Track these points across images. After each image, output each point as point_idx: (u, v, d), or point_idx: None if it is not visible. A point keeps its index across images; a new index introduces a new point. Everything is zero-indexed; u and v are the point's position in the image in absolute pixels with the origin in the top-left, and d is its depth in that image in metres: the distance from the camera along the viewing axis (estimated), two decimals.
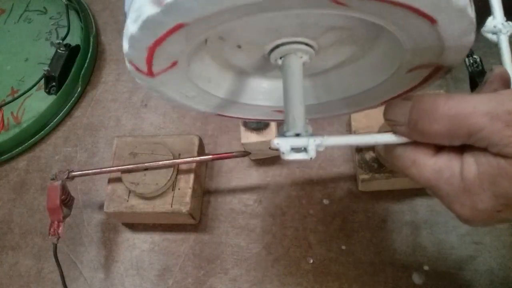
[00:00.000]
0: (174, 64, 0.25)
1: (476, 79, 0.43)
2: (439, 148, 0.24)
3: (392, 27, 0.23)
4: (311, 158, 0.24)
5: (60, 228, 0.45)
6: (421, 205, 0.47)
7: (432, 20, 0.20)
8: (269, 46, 0.28)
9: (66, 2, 0.65)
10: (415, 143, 0.24)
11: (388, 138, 0.25)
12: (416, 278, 0.44)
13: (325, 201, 0.49)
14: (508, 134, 0.20)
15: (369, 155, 0.45)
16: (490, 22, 0.28)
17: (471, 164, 0.22)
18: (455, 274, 0.43)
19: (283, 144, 0.24)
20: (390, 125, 0.25)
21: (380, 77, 0.29)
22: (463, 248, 0.44)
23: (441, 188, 0.23)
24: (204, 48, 0.29)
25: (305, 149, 0.24)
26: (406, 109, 0.23)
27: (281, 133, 0.25)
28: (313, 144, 0.24)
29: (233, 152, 0.46)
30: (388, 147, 0.26)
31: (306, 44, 0.27)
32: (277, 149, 0.24)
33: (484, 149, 0.22)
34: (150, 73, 0.25)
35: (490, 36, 0.28)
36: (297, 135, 0.25)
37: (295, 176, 0.51)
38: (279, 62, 0.28)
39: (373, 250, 0.46)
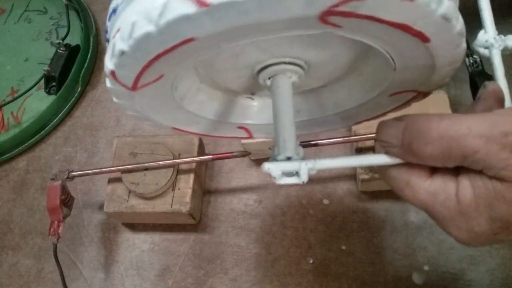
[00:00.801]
0: (160, 77, 0.25)
1: (476, 79, 0.43)
2: (433, 170, 0.23)
3: (383, 46, 0.22)
4: (303, 182, 0.24)
5: (60, 228, 0.45)
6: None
7: (424, 39, 0.20)
8: (257, 66, 0.27)
9: (66, 2, 0.65)
10: (409, 165, 0.24)
11: (382, 159, 0.24)
12: (416, 278, 0.44)
13: (325, 201, 0.49)
14: (504, 157, 0.20)
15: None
16: (481, 36, 0.27)
17: (466, 187, 0.22)
18: (455, 274, 0.43)
19: (274, 169, 0.24)
20: (383, 146, 0.24)
21: (373, 92, 0.29)
22: (463, 248, 0.44)
23: (437, 211, 0.23)
24: (191, 71, 0.28)
25: (297, 173, 0.24)
26: (398, 130, 0.23)
27: (272, 157, 0.25)
28: (305, 168, 0.24)
29: (233, 152, 0.46)
30: (382, 168, 0.25)
31: (295, 64, 0.27)
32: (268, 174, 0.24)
33: (479, 172, 0.21)
34: (134, 87, 0.24)
35: (482, 50, 0.27)
36: (288, 158, 0.24)
37: None
38: (268, 82, 0.27)
39: (373, 250, 0.46)
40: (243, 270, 0.48)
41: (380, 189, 0.47)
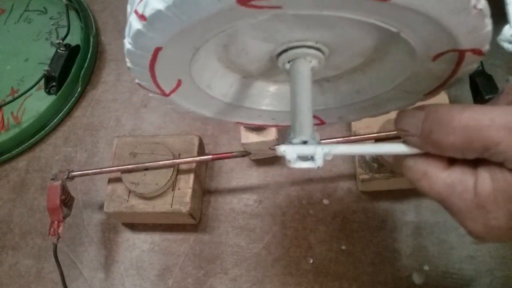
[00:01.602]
0: (179, 82, 0.26)
1: (476, 79, 0.43)
2: (452, 161, 0.23)
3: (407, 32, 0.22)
4: (318, 167, 0.23)
5: (60, 228, 0.45)
6: (421, 205, 0.47)
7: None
8: (277, 49, 0.27)
9: (66, 2, 0.65)
10: (427, 155, 0.23)
11: (399, 148, 0.24)
12: (416, 278, 0.44)
13: (325, 201, 0.49)
14: None
15: (369, 155, 0.45)
16: (507, 31, 0.26)
17: (486, 179, 0.21)
18: (455, 274, 0.43)
19: (290, 152, 0.24)
20: (401, 135, 0.24)
21: (397, 79, 0.28)
22: (463, 248, 0.44)
23: (453, 203, 0.23)
24: (208, 52, 0.28)
25: (312, 158, 0.24)
26: (419, 119, 0.23)
27: (287, 140, 0.24)
28: (321, 152, 0.23)
29: (233, 152, 0.46)
30: (399, 158, 0.25)
31: (316, 48, 0.27)
32: (283, 157, 0.24)
33: (500, 164, 0.21)
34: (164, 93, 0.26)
35: (506, 45, 0.26)
36: (304, 142, 0.24)
37: (295, 176, 0.51)
38: (287, 66, 0.27)
39: (373, 250, 0.46)
40: (243, 270, 0.48)
41: (380, 189, 0.47)
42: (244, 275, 0.47)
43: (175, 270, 0.49)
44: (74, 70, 0.61)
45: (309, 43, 0.26)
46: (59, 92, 0.60)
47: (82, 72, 0.62)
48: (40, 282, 0.51)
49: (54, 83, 0.59)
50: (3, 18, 0.70)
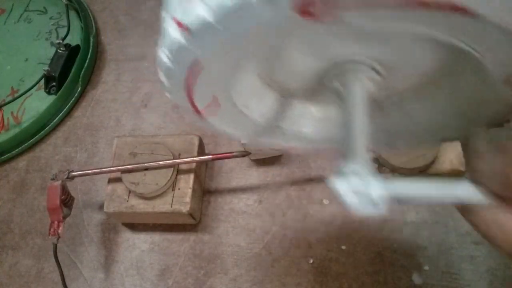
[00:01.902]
0: (216, 100, 0.23)
1: None
2: None
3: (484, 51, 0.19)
4: (381, 212, 0.20)
5: (60, 228, 0.45)
6: (421, 205, 0.47)
7: None
8: (328, 67, 0.24)
9: (66, 2, 0.65)
10: (504, 201, 0.20)
11: (474, 195, 0.20)
12: (416, 278, 0.44)
13: (325, 201, 0.49)
14: None
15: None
16: None
17: None
18: (455, 274, 0.43)
19: (343, 187, 0.21)
20: (477, 179, 0.20)
21: (459, 104, 0.25)
22: (463, 248, 0.44)
23: None
24: (249, 66, 0.26)
25: (372, 201, 0.21)
26: (501, 163, 0.19)
27: (339, 172, 0.22)
28: (378, 189, 0.21)
29: (233, 152, 0.46)
30: (470, 206, 0.21)
31: (372, 68, 0.24)
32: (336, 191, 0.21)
33: None
34: (198, 112, 0.24)
35: None
36: (357, 174, 0.21)
37: (295, 176, 0.51)
38: (337, 85, 0.24)
39: (373, 250, 0.46)
40: (243, 270, 0.48)
41: None
42: (244, 275, 0.47)
43: (175, 270, 0.49)
44: (74, 70, 0.61)
45: (365, 61, 0.24)
46: (59, 92, 0.60)
47: (82, 72, 0.62)
48: (40, 282, 0.51)
49: (54, 83, 0.59)
50: (3, 18, 0.70)
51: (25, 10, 0.70)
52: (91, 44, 0.64)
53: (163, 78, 0.22)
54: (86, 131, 0.60)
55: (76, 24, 0.65)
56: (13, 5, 0.71)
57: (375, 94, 0.26)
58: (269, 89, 0.29)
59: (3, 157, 0.59)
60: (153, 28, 0.66)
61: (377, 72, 0.24)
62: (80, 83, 0.62)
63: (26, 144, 0.59)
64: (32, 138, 0.60)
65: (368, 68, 0.24)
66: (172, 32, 0.19)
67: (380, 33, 0.21)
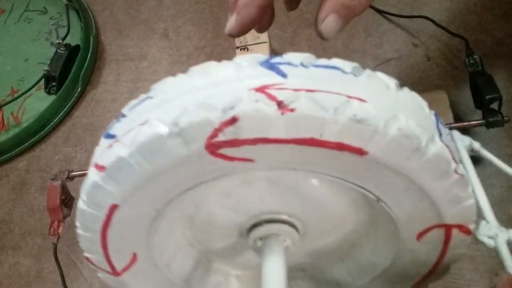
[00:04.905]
0: (135, 256, 0.23)
1: (476, 79, 0.43)
2: None
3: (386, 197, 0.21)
4: None
5: (60, 228, 0.45)
6: None
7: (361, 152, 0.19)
8: (248, 222, 0.25)
9: (66, 2, 0.65)
10: None
11: None
12: None
13: None
14: None
15: None
16: (484, 227, 0.24)
17: None
18: (455, 274, 0.43)
19: None
20: None
21: (379, 265, 0.27)
22: None
23: None
24: (170, 222, 0.26)
25: None
26: None
27: None
28: None
29: None
30: None
31: (290, 224, 0.25)
32: None
33: None
34: (115, 272, 0.24)
35: (486, 240, 0.24)
36: None
37: None
38: (259, 244, 0.25)
39: None
40: None
41: None
42: None
43: None
44: (74, 70, 0.61)
45: (283, 217, 0.25)
46: (59, 92, 0.60)
47: (82, 72, 0.62)
48: (40, 282, 0.51)
49: (54, 83, 0.59)
50: (3, 18, 0.70)
51: (25, 10, 0.70)
52: (91, 44, 0.64)
53: (79, 227, 0.22)
54: (86, 131, 0.60)
55: (76, 24, 0.65)
56: (13, 5, 0.71)
57: (298, 257, 0.27)
58: (194, 250, 0.29)
59: (3, 157, 0.59)
60: (153, 28, 0.66)
61: (297, 229, 0.25)
62: (80, 83, 0.62)
63: (26, 144, 0.59)
64: (32, 138, 0.60)
65: (288, 226, 0.25)
66: (90, 175, 0.20)
67: (294, 187, 0.23)
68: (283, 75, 0.19)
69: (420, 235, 0.23)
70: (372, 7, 0.55)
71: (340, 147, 0.18)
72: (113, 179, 0.20)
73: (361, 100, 0.18)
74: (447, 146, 0.19)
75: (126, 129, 0.20)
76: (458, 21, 0.54)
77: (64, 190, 0.46)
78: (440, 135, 0.20)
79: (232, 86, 0.19)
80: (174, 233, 0.27)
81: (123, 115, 0.21)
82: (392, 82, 0.20)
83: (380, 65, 0.53)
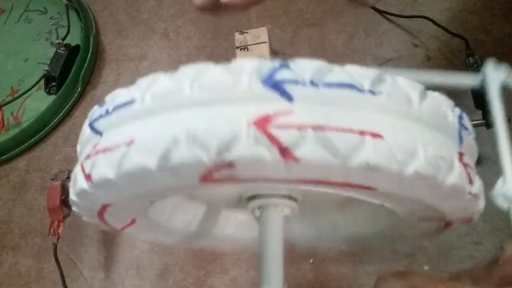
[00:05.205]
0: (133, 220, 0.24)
1: None
2: None
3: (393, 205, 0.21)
4: None
5: (60, 228, 0.45)
6: None
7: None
8: (247, 193, 0.25)
9: (66, 2, 0.65)
10: None
11: None
12: None
13: None
14: None
15: None
16: (500, 187, 0.23)
17: None
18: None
19: None
20: None
21: (379, 225, 0.27)
22: (463, 248, 0.44)
23: None
24: None
25: None
26: None
27: None
28: None
29: None
30: None
31: (289, 197, 0.25)
32: None
33: None
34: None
35: (501, 201, 0.23)
36: None
37: None
38: (257, 213, 0.25)
39: (373, 250, 0.46)
40: (243, 270, 0.47)
41: None
42: (244, 275, 0.47)
43: (175, 270, 0.49)
44: (74, 70, 0.61)
45: (283, 192, 0.24)
46: (59, 92, 0.60)
47: (82, 72, 0.62)
48: (40, 282, 0.51)
49: (54, 83, 0.59)
50: (3, 18, 0.70)
51: (25, 10, 0.70)
52: (91, 44, 0.64)
53: (76, 210, 0.23)
54: None
55: (76, 24, 0.65)
56: (13, 5, 0.71)
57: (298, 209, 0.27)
58: (193, 201, 0.29)
59: (3, 157, 0.59)
60: (153, 28, 0.66)
61: (295, 200, 0.25)
62: (80, 83, 0.62)
63: (26, 144, 0.59)
64: (32, 138, 0.60)
65: (286, 199, 0.25)
66: (79, 180, 0.20)
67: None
68: (289, 98, 0.16)
69: (421, 220, 0.23)
70: (372, 7, 0.55)
71: (348, 185, 0.17)
72: (101, 190, 0.19)
73: (376, 135, 0.16)
74: (465, 165, 0.18)
75: (111, 139, 0.19)
76: (458, 21, 0.54)
77: (64, 190, 0.46)
78: (461, 142, 0.18)
79: (228, 110, 0.17)
80: (173, 199, 0.27)
81: (107, 112, 0.21)
82: (415, 93, 0.18)
83: (380, 65, 0.53)
